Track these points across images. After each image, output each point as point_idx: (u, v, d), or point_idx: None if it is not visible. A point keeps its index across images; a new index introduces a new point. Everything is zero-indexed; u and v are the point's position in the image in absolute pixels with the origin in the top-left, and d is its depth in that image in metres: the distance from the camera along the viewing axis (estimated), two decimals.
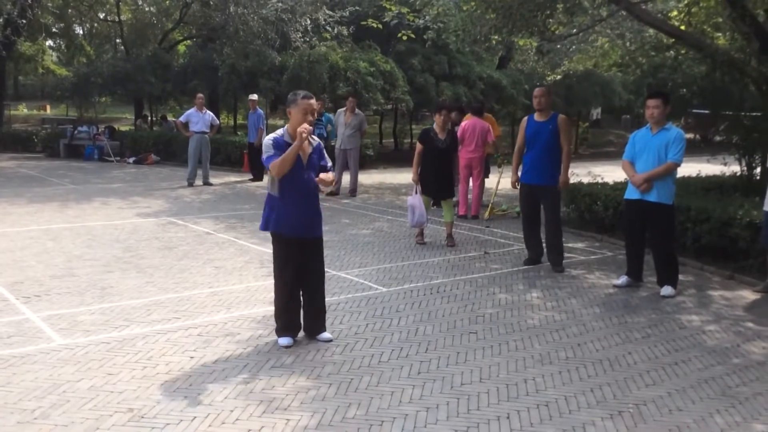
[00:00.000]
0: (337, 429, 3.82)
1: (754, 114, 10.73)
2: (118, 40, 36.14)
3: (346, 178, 13.51)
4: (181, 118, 15.09)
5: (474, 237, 9.59)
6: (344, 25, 21.10)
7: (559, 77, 26.33)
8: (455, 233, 9.19)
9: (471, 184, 11.22)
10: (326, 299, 6.23)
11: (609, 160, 22.17)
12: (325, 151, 5.26)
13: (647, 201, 6.64)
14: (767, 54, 9.54)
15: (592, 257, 8.47)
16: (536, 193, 7.69)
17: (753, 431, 3.95)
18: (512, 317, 5.94)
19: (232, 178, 16.13)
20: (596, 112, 25.67)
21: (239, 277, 7.03)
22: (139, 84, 21.81)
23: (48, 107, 39.38)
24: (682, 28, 11.86)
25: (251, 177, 15.62)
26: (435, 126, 8.84)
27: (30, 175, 15.70)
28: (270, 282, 6.79)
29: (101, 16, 34.74)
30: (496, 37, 12.00)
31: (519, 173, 7.84)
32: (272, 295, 6.33)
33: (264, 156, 4.93)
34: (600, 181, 10.68)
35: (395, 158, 22.09)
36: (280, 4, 19.89)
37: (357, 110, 13.49)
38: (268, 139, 4.97)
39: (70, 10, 32.74)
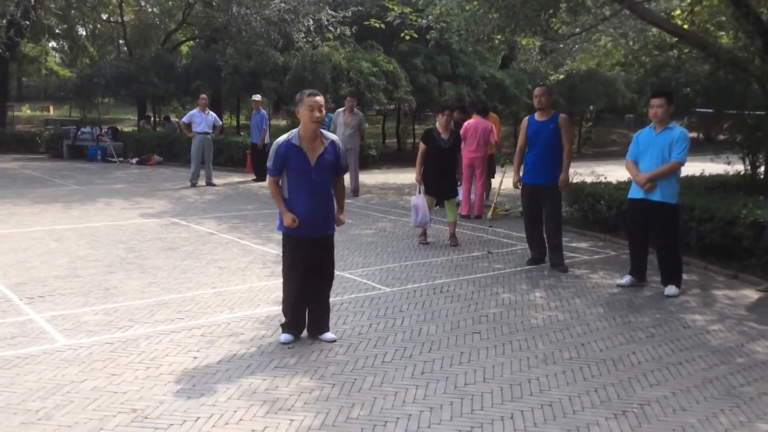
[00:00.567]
0: (341, 429, 3.82)
1: (758, 113, 10.72)
2: (121, 41, 36.19)
3: (346, 178, 13.47)
4: (184, 119, 15.10)
5: (477, 237, 9.59)
6: (347, 25, 21.10)
7: (562, 77, 26.31)
8: (458, 233, 9.18)
9: (474, 183, 11.20)
10: (330, 299, 6.26)
11: (612, 160, 22.14)
12: (342, 153, 5.20)
13: (651, 200, 6.62)
14: None
15: (596, 257, 8.46)
16: (538, 193, 7.68)
17: (758, 431, 3.93)
18: (516, 317, 5.93)
19: (235, 178, 16.14)
20: (592, 108, 25.73)
21: (242, 277, 7.04)
22: (142, 85, 21.84)
23: (51, 108, 39.46)
24: (686, 27, 11.84)
25: (254, 177, 15.62)
26: (438, 126, 8.83)
27: (33, 176, 15.73)
28: (273, 282, 6.81)
29: (104, 17, 34.82)
30: (499, 36, 11.98)
31: (521, 173, 7.84)
32: (276, 294, 6.36)
33: (268, 162, 5.01)
34: (603, 180, 10.66)
35: (398, 158, 22.09)
36: (282, 5, 19.91)
37: (356, 110, 13.47)
38: (275, 145, 4.96)
39: (73, 12, 32.80)
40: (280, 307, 5.98)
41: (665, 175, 6.54)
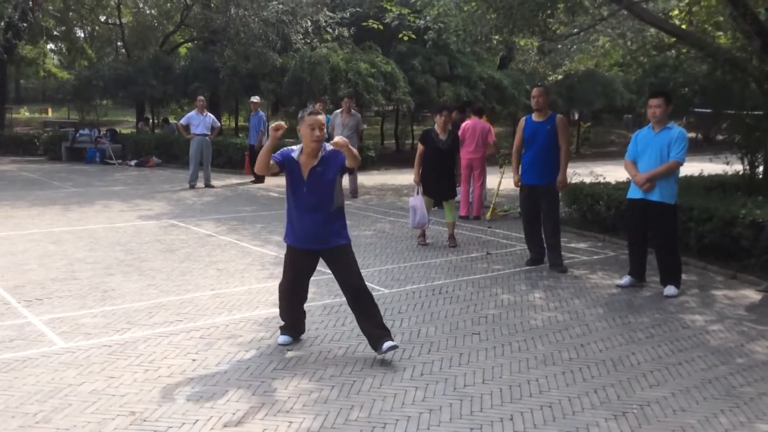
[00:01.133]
0: (340, 431, 3.81)
1: (756, 113, 10.71)
2: (119, 43, 36.18)
3: (345, 179, 13.47)
4: (182, 121, 15.10)
5: (476, 238, 9.58)
6: (345, 26, 21.10)
7: (560, 77, 26.33)
8: (457, 234, 9.17)
9: (472, 184, 11.20)
10: (328, 301, 6.26)
11: (611, 160, 22.14)
12: (332, 151, 5.00)
13: (650, 200, 6.62)
14: None
15: (595, 257, 8.45)
16: (535, 194, 7.67)
17: (757, 431, 3.93)
18: (515, 318, 5.92)
19: (234, 180, 16.12)
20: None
21: (241, 279, 7.02)
22: (140, 87, 21.82)
23: (50, 110, 39.44)
24: (684, 27, 11.84)
25: (253, 179, 15.62)
26: (436, 127, 8.83)
27: (32, 178, 15.71)
28: (272, 284, 6.80)
29: (102, 19, 34.79)
30: (497, 37, 11.98)
31: (520, 173, 7.83)
32: (274, 297, 6.33)
33: (276, 154, 4.97)
34: (602, 180, 10.66)
35: (396, 159, 22.08)
36: (280, 6, 19.91)
37: (353, 111, 13.47)
38: (284, 149, 5.03)
39: (71, 14, 32.77)
40: (278, 309, 5.98)
41: (664, 175, 6.54)
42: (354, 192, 13.32)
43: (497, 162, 13.06)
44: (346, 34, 21.27)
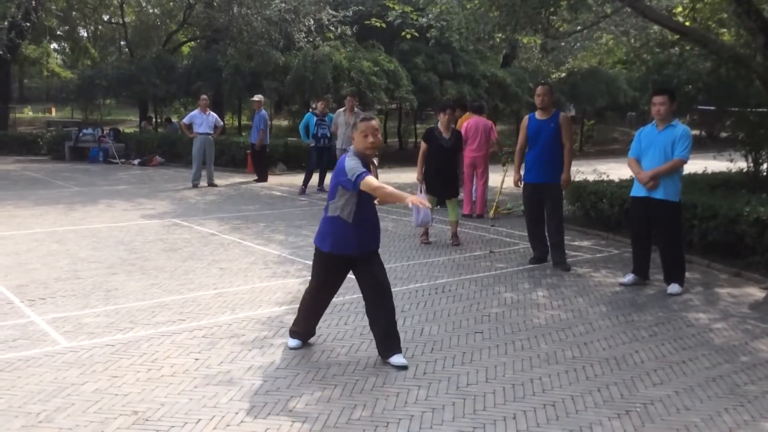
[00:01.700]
0: (343, 430, 3.80)
1: (761, 110, 10.67)
2: (122, 43, 36.21)
3: None
4: (185, 120, 15.10)
5: (479, 236, 9.57)
6: (347, 24, 21.09)
7: (563, 75, 26.29)
8: (460, 232, 9.16)
9: (475, 183, 11.18)
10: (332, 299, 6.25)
11: (614, 158, 22.11)
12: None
13: (654, 198, 6.60)
14: None
15: (598, 255, 8.43)
16: (539, 192, 7.66)
17: (762, 430, 3.91)
18: (518, 316, 5.91)
19: (237, 179, 16.13)
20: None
21: (244, 278, 7.02)
22: (143, 86, 21.85)
23: (53, 110, 39.52)
24: (687, 24, 11.81)
25: (256, 178, 15.63)
26: (439, 125, 8.81)
27: (35, 177, 15.73)
28: (275, 283, 6.80)
29: (105, 18, 34.85)
30: (500, 35, 11.95)
31: (521, 172, 7.82)
32: (278, 295, 6.36)
33: (355, 173, 4.52)
34: (605, 178, 10.64)
35: (399, 157, 22.08)
36: (283, 5, 19.89)
37: (357, 109, 13.46)
38: (352, 159, 4.61)
39: (74, 13, 32.87)
40: (281, 308, 5.98)
41: (668, 172, 6.52)
42: None
43: (500, 160, 13.05)
44: (348, 32, 21.26)
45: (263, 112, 15.50)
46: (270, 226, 10.01)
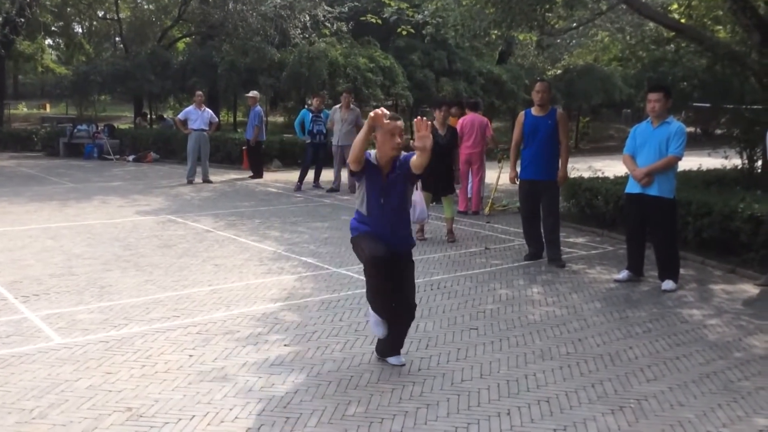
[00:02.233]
0: (337, 427, 3.80)
1: (755, 107, 10.69)
2: (117, 38, 36.08)
3: (344, 174, 13.47)
4: (180, 116, 15.06)
5: (474, 233, 9.57)
6: (343, 21, 21.06)
7: (559, 72, 26.29)
8: (456, 229, 9.16)
9: (471, 179, 11.18)
10: (326, 296, 6.26)
11: (609, 155, 22.12)
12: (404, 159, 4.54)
13: (648, 195, 6.61)
14: None
15: (593, 252, 8.44)
16: (536, 189, 7.66)
17: (755, 426, 3.92)
18: (513, 313, 5.91)
19: (232, 175, 16.10)
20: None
21: (239, 274, 7.01)
22: (138, 82, 21.77)
23: (48, 106, 39.34)
24: (683, 21, 11.82)
25: (251, 174, 15.60)
26: (435, 122, 8.80)
27: (29, 173, 15.68)
28: (269, 279, 6.80)
29: (100, 14, 34.70)
30: (496, 31, 11.95)
31: (518, 169, 7.81)
32: (272, 292, 6.37)
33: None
34: (600, 175, 10.65)
35: None
36: (278, 1, 19.86)
37: (353, 106, 13.46)
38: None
39: (69, 9, 32.71)
40: (276, 305, 5.98)
41: (663, 169, 6.53)
42: (352, 187, 13.29)
43: (495, 157, 13.05)
44: (344, 28, 21.22)
45: (258, 108, 15.46)
46: (265, 222, 10.00)
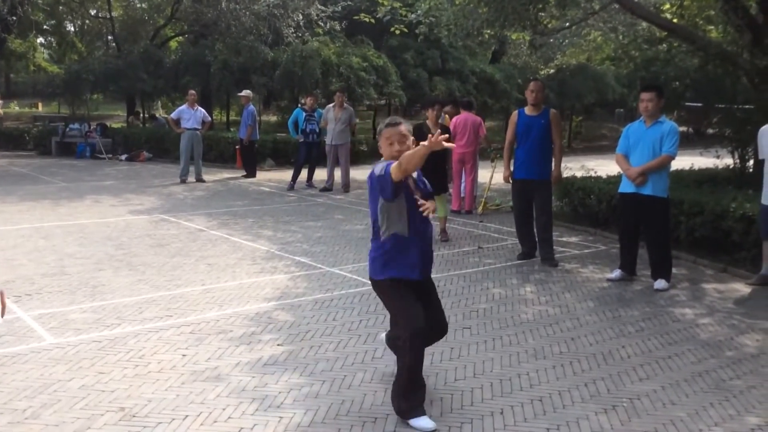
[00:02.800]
0: (331, 426, 3.80)
1: (747, 106, 10.73)
2: (109, 37, 35.93)
3: (337, 173, 13.48)
4: (173, 115, 15.02)
5: (467, 232, 9.58)
6: (337, 20, 21.04)
7: (552, 71, 26.32)
8: (449, 228, 9.17)
9: (464, 178, 11.19)
10: (319, 296, 6.25)
11: (602, 154, 22.17)
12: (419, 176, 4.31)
13: (642, 194, 6.63)
14: (759, 46, 9.53)
15: (586, 251, 8.46)
16: (529, 188, 7.67)
17: (747, 424, 3.94)
18: (506, 312, 5.92)
19: (225, 174, 16.07)
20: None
21: (232, 274, 7.00)
22: (131, 81, 21.68)
23: (40, 105, 39.16)
24: (675, 21, 11.86)
25: (244, 173, 15.57)
26: (427, 121, 8.81)
27: (21, 173, 15.61)
28: (263, 279, 6.79)
29: (92, 12, 34.54)
30: (489, 31, 11.97)
31: (511, 168, 7.82)
32: (265, 291, 6.34)
33: (381, 170, 3.89)
34: (593, 175, 10.68)
35: None
36: (272, 0, 19.81)
37: (346, 105, 13.45)
38: (383, 163, 3.97)
39: (61, 7, 32.57)
40: (269, 304, 5.97)
41: (656, 168, 6.55)
42: (346, 186, 13.30)
43: (488, 156, 13.06)
44: (337, 27, 21.21)
45: (251, 107, 15.44)
46: (258, 221, 9.98)
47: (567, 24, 13.24)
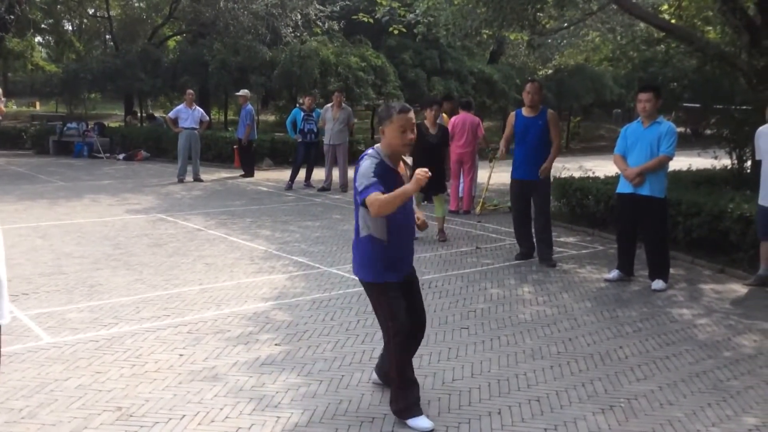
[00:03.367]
0: (328, 426, 3.80)
1: (745, 107, 10.74)
2: (107, 36, 35.86)
3: (335, 173, 13.47)
4: (171, 114, 15.01)
5: (465, 232, 9.58)
6: (335, 19, 21.04)
7: (550, 72, 26.35)
8: (447, 228, 9.17)
9: (462, 179, 11.19)
10: (317, 295, 6.25)
11: (600, 155, 22.19)
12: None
13: (640, 195, 6.63)
14: (757, 47, 9.54)
15: (584, 251, 8.47)
16: (527, 189, 7.67)
17: (744, 425, 3.94)
18: (504, 312, 5.92)
19: (223, 174, 16.06)
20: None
21: (230, 273, 6.99)
22: (128, 80, 21.67)
23: (37, 104, 39.12)
24: (673, 21, 11.87)
25: (242, 173, 15.57)
26: (426, 121, 8.81)
27: (19, 172, 15.59)
28: (260, 278, 6.78)
29: (90, 11, 34.51)
30: (487, 31, 11.97)
31: (512, 167, 7.81)
32: (263, 291, 6.33)
33: (362, 184, 3.77)
34: (591, 175, 10.68)
35: None
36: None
37: (344, 105, 13.45)
38: (369, 164, 3.78)
39: (59, 6, 32.48)
40: (267, 304, 5.96)
41: (654, 169, 6.55)
42: (344, 186, 13.29)
43: (487, 156, 13.07)
44: (336, 27, 21.22)
45: (249, 106, 15.43)
46: (256, 221, 9.97)
47: (565, 24, 13.25)
